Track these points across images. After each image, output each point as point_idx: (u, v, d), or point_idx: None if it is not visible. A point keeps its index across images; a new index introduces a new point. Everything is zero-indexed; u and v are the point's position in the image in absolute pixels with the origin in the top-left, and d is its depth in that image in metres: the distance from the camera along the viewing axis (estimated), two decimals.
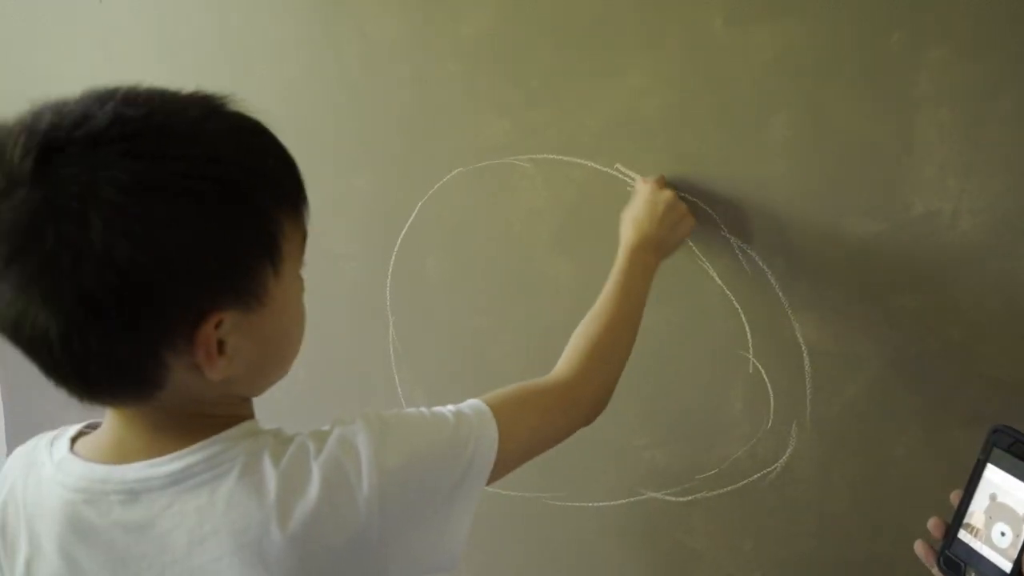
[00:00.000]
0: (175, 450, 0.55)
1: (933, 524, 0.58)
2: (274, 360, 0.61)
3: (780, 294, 0.86)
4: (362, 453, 0.57)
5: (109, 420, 0.58)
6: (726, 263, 0.87)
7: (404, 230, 0.98)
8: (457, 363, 1.02)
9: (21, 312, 0.48)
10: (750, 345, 0.88)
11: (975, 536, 0.57)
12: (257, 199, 0.54)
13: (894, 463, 0.86)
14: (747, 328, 0.88)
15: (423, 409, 0.64)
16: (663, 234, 0.82)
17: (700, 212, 0.87)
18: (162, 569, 0.55)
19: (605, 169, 0.89)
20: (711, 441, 0.93)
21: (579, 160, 0.90)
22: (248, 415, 0.60)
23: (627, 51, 0.86)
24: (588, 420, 0.74)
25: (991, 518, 0.57)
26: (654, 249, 0.81)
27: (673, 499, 0.95)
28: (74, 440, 0.59)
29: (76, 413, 1.06)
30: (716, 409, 0.92)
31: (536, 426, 0.69)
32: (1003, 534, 0.56)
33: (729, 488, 0.92)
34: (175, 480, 0.55)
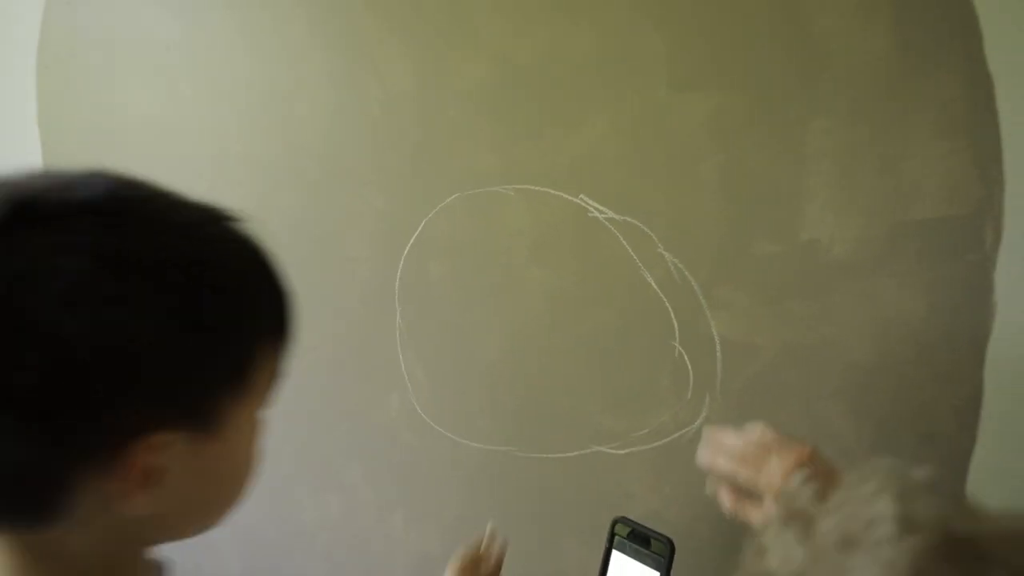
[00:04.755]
0: None
1: None
2: (212, 503, 0.40)
3: (701, 298, 0.85)
4: None
5: None
6: (661, 273, 0.86)
7: (411, 240, 0.95)
8: (451, 346, 0.99)
9: None
10: (677, 336, 0.87)
11: None
12: (236, 318, 0.37)
13: (778, 423, 0.84)
14: (675, 323, 0.87)
15: None
16: None
17: (642, 233, 0.85)
18: None
19: (572, 198, 0.87)
20: (645, 408, 0.91)
21: (552, 190, 0.88)
22: None
23: (592, 107, 0.84)
24: None
25: None
26: None
27: (614, 452, 0.94)
28: None
29: None
30: (650, 384, 0.90)
31: None
32: None
33: (657, 444, 0.91)
34: None
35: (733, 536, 0.88)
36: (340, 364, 1.02)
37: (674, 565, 0.54)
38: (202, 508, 0.39)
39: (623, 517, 0.55)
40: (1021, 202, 0.72)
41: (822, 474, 0.59)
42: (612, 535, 0.55)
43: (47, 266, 0.31)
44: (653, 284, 0.86)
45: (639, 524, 0.54)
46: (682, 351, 0.87)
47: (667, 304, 0.86)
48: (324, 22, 0.92)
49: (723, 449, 0.66)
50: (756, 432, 0.66)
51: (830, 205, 0.77)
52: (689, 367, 0.87)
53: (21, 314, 0.30)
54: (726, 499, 0.66)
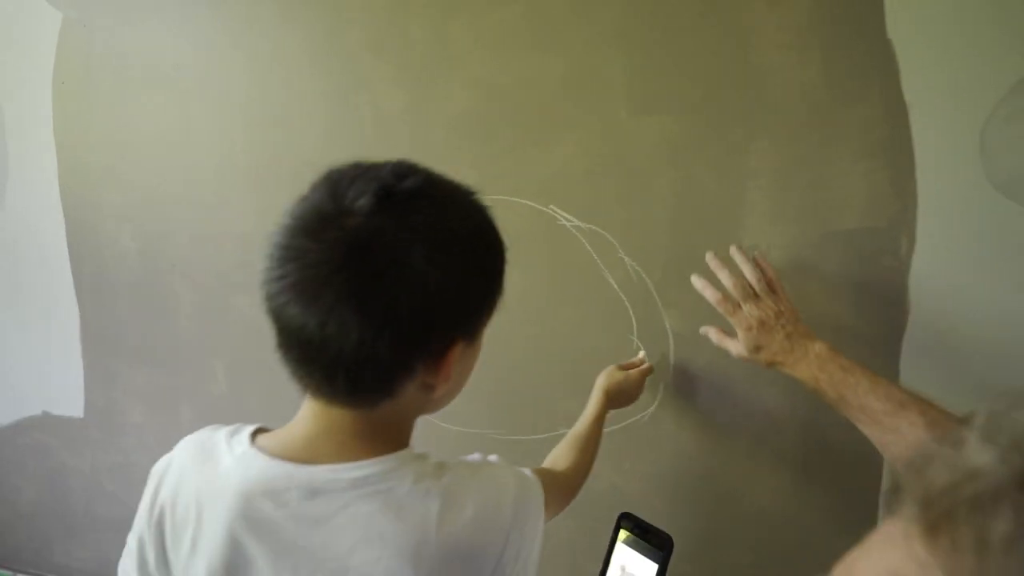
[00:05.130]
0: (358, 460, 0.47)
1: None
2: (457, 389, 0.53)
3: (656, 296, 0.89)
4: (509, 496, 0.51)
5: (305, 423, 0.49)
6: (621, 275, 0.90)
7: None
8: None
9: (329, 315, 0.42)
10: (635, 330, 0.91)
11: None
12: (500, 266, 0.50)
13: (724, 407, 0.90)
14: (633, 319, 0.91)
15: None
16: (620, 403, 0.85)
17: (604, 239, 0.89)
18: (320, 564, 0.46)
19: (543, 208, 0.91)
20: None
21: (525, 201, 0.91)
22: (408, 443, 0.52)
23: (560, 129, 0.88)
24: (572, 499, 0.72)
25: None
26: (611, 407, 0.84)
27: None
28: (253, 436, 0.50)
29: (141, 375, 0.97)
30: None
31: (554, 499, 0.64)
32: None
33: (617, 426, 0.94)
34: (355, 485, 0.47)
35: (683, 505, 0.94)
36: None
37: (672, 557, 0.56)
38: (450, 395, 0.52)
39: (628, 513, 0.56)
40: (932, 215, 0.78)
41: (788, 324, 0.73)
42: (617, 528, 0.55)
43: (409, 235, 0.43)
44: (614, 284, 0.90)
45: (642, 520, 0.55)
46: (639, 343, 0.91)
47: (626, 302, 0.91)
48: (323, 51, 0.94)
49: (712, 287, 0.78)
50: (744, 277, 0.77)
51: (768, 216, 0.83)
52: (645, 358, 0.91)
53: (401, 270, 0.42)
54: (714, 335, 0.80)
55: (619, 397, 0.84)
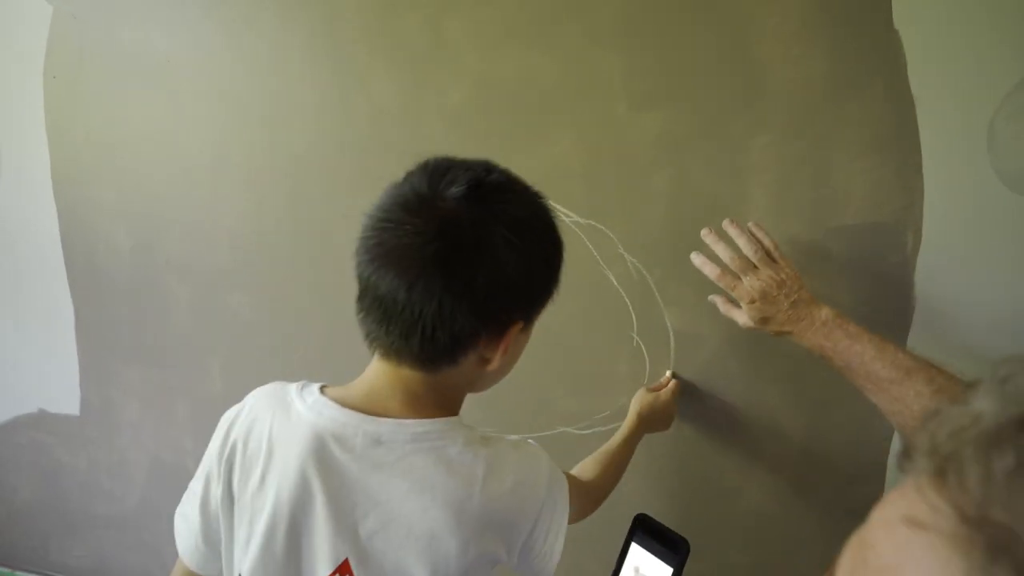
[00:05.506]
0: (418, 417, 0.53)
1: None
2: (504, 372, 0.58)
3: (656, 293, 0.89)
4: (544, 475, 0.56)
5: (372, 380, 0.55)
6: (620, 271, 0.89)
7: None
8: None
9: (417, 280, 0.48)
10: (635, 327, 0.91)
11: None
12: (561, 257, 0.56)
13: (724, 405, 0.90)
14: (633, 316, 0.90)
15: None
16: (655, 427, 0.86)
17: (603, 235, 0.88)
18: (374, 506, 0.52)
19: None
20: (605, 392, 0.95)
21: None
22: (459, 413, 0.57)
23: (560, 124, 0.87)
24: (593, 511, 0.74)
25: None
26: (646, 430, 0.85)
27: (578, 432, 0.97)
28: (320, 390, 0.56)
29: (137, 372, 0.96)
30: (610, 370, 0.94)
31: (576, 501, 0.66)
32: None
33: (616, 424, 0.92)
34: (414, 439, 0.52)
35: (681, 502, 0.93)
36: (333, 350, 1.05)
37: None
38: (496, 376, 0.57)
39: (644, 514, 0.56)
40: (939, 211, 0.77)
41: (792, 292, 0.71)
42: (633, 529, 0.56)
43: (492, 220, 0.49)
44: (614, 281, 0.90)
45: (658, 522, 0.55)
46: (639, 341, 0.91)
47: (626, 299, 0.90)
48: (319, 46, 0.93)
49: (711, 263, 0.77)
50: (744, 248, 0.76)
51: (770, 212, 0.81)
52: (646, 355, 0.91)
53: (484, 249, 0.49)
54: (721, 304, 0.79)
55: (651, 417, 0.85)
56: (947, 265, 0.79)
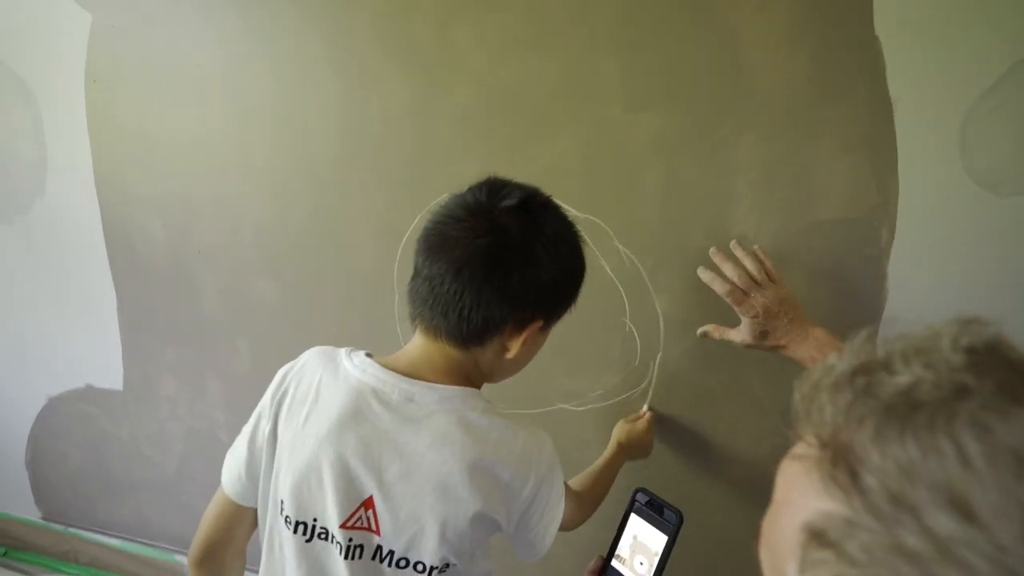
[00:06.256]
0: (446, 384, 0.60)
1: (592, 565, 0.60)
2: (516, 368, 0.65)
3: (648, 282, 0.91)
4: (547, 454, 0.62)
5: (412, 351, 0.62)
6: (615, 262, 0.91)
7: (407, 234, 0.99)
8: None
9: (464, 266, 0.55)
10: (627, 313, 0.93)
11: (623, 564, 0.58)
12: (584, 268, 0.63)
13: (709, 386, 0.92)
14: (626, 302, 0.92)
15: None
16: (634, 454, 0.91)
17: (600, 228, 0.90)
18: (400, 456, 0.58)
19: None
20: (600, 372, 0.97)
21: None
22: (481, 387, 0.64)
23: (558, 125, 0.88)
24: (580, 522, 0.78)
25: (634, 552, 0.58)
26: (626, 457, 0.90)
27: (574, 408, 1.00)
28: (367, 355, 0.63)
29: (173, 351, 1.03)
30: (604, 352, 0.96)
31: (571, 505, 0.70)
32: (641, 563, 0.57)
33: (610, 401, 0.97)
34: (441, 400, 0.59)
35: (670, 473, 0.97)
36: (349, 334, 1.09)
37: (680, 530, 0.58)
38: (510, 368, 0.63)
39: (643, 488, 0.58)
40: (912, 206, 0.79)
41: (790, 309, 0.77)
42: (632, 501, 0.58)
43: (535, 233, 0.56)
44: (608, 270, 0.92)
45: (655, 495, 0.58)
46: (631, 326, 0.93)
47: (620, 287, 0.92)
48: (336, 52, 0.95)
49: (720, 279, 0.81)
50: (747, 269, 0.80)
51: (754, 207, 0.83)
52: (637, 339, 0.94)
53: (524, 252, 0.56)
54: (714, 331, 0.84)
55: (630, 444, 0.90)
56: (919, 259, 0.80)
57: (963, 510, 0.21)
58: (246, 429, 0.65)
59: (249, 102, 1.03)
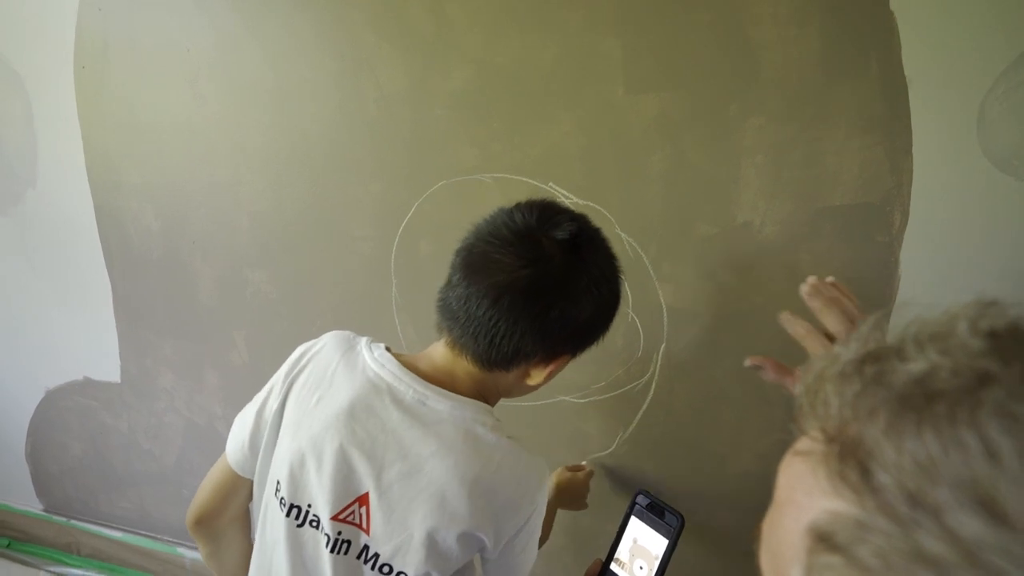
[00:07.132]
0: (461, 395, 0.59)
1: (590, 568, 0.59)
2: (534, 390, 0.64)
3: (651, 271, 0.89)
4: (543, 488, 0.61)
5: (434, 358, 0.61)
6: (617, 250, 0.84)
7: (404, 221, 0.98)
8: (436, 311, 1.03)
9: (503, 295, 0.54)
10: (630, 304, 0.91)
11: (622, 568, 0.57)
12: (617, 306, 0.61)
13: (713, 378, 0.90)
14: (629, 293, 0.90)
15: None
16: (567, 502, 0.91)
17: (601, 215, 0.87)
18: (405, 455, 0.57)
19: (542, 185, 0.90)
20: (602, 364, 0.96)
21: (524, 178, 0.90)
22: (494, 406, 0.63)
23: (559, 107, 0.86)
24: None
25: (633, 556, 0.57)
26: (558, 504, 0.89)
27: (575, 400, 0.99)
28: (387, 349, 0.62)
29: (170, 344, 1.02)
30: (607, 344, 0.87)
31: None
32: (641, 567, 0.56)
33: (612, 394, 0.96)
34: (453, 410, 0.58)
35: (673, 468, 0.96)
36: (346, 324, 1.05)
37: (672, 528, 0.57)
38: (530, 391, 0.63)
39: (645, 490, 0.58)
40: (927, 191, 0.76)
41: None
42: (633, 503, 0.57)
43: (581, 270, 0.55)
44: None
45: (656, 498, 0.57)
46: (635, 317, 0.91)
47: (622, 277, 0.91)
48: (329, 33, 0.93)
49: (795, 321, 0.66)
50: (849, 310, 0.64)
51: (762, 192, 0.81)
52: (640, 330, 0.91)
53: (566, 288, 0.54)
54: (771, 370, 0.68)
55: (566, 492, 0.89)
56: (933, 244, 0.77)
57: (991, 510, 0.19)
58: (258, 397, 0.65)
59: (241, 88, 1.01)
